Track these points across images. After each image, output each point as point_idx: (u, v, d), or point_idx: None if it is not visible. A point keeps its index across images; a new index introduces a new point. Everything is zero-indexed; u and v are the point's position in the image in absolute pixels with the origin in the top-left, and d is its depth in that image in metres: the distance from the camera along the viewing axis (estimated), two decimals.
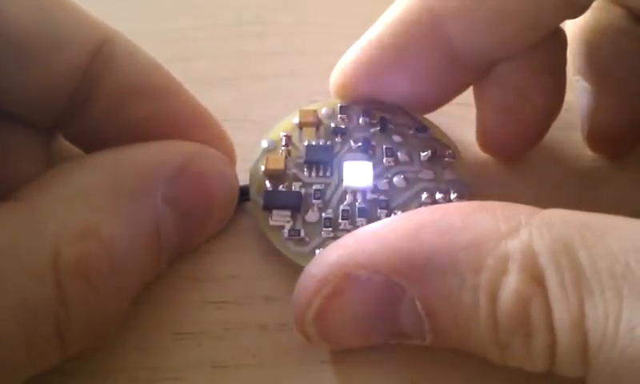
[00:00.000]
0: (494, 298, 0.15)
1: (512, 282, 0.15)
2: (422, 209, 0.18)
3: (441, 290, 0.16)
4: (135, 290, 0.18)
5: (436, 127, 0.22)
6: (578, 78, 0.23)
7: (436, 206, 0.19)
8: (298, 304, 0.17)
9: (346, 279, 0.17)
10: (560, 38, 0.22)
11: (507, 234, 0.16)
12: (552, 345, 0.15)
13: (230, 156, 0.21)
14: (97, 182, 0.18)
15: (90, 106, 0.19)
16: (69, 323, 0.16)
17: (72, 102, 0.19)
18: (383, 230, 0.17)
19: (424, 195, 0.20)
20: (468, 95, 0.22)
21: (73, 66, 0.19)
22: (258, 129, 0.22)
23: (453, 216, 0.17)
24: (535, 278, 0.15)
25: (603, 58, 0.22)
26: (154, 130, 0.20)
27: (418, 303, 0.16)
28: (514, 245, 0.15)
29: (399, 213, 0.20)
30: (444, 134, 0.22)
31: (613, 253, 0.15)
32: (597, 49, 0.22)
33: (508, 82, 0.21)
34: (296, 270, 0.19)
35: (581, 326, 0.14)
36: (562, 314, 0.15)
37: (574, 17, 0.21)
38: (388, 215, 0.20)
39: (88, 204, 0.17)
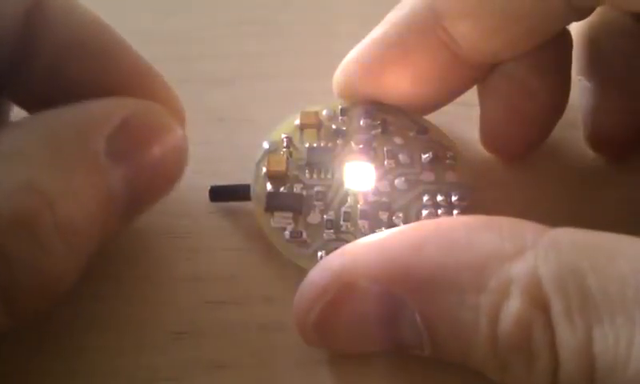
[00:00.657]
0: (494, 319, 0.15)
1: (513, 306, 0.15)
2: (427, 221, 0.18)
3: (440, 306, 0.16)
4: (87, 249, 0.17)
5: (437, 129, 0.22)
6: (580, 77, 0.23)
7: (441, 219, 0.19)
8: (299, 309, 0.17)
9: (346, 287, 0.17)
10: (566, 39, 0.22)
11: (512, 255, 0.15)
12: (555, 369, 0.15)
13: (178, 116, 0.20)
14: (35, 139, 0.17)
15: (30, 65, 0.19)
16: (13, 282, 0.16)
17: (11, 62, 0.19)
18: (386, 241, 0.17)
19: (425, 197, 0.20)
20: (469, 95, 0.23)
21: (7, 23, 0.18)
22: (257, 129, 0.22)
23: (458, 232, 0.16)
24: (538, 303, 0.15)
25: (606, 58, 0.22)
26: (96, 88, 0.19)
27: (417, 316, 0.16)
28: (518, 268, 0.15)
29: (401, 215, 0.20)
30: (445, 136, 0.22)
31: (624, 276, 0.14)
32: (599, 49, 0.22)
33: (513, 79, 0.21)
34: (296, 270, 0.19)
35: (588, 351, 0.14)
36: (567, 340, 0.14)
37: (579, 19, 0.21)
38: (389, 217, 0.20)
39: (26, 161, 0.16)
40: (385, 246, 0.17)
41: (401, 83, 0.22)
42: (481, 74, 0.22)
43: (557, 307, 0.14)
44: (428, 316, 0.16)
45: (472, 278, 0.16)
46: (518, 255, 0.15)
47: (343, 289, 0.17)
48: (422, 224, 0.18)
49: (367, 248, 0.17)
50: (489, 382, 0.17)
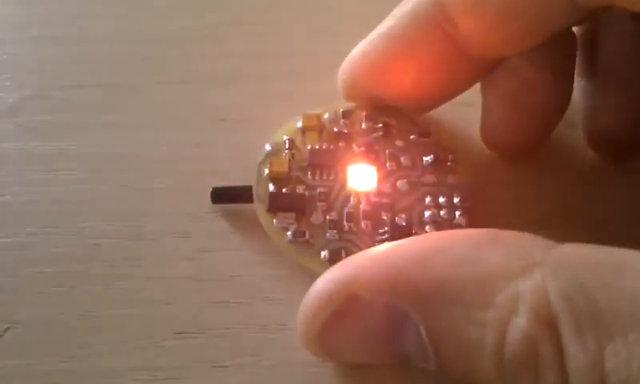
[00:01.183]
0: (500, 336, 0.15)
1: (520, 323, 0.15)
2: (433, 234, 0.18)
3: (445, 321, 0.16)
4: None
5: (439, 131, 0.22)
6: (580, 78, 0.23)
7: (447, 232, 0.19)
8: (304, 318, 0.17)
9: (351, 298, 0.17)
10: (570, 39, 0.22)
11: (519, 272, 0.15)
12: None
13: None
14: None
15: None
16: None
17: None
18: (391, 253, 0.17)
19: (427, 199, 0.20)
20: (469, 95, 0.23)
21: None
22: (258, 129, 0.22)
23: (463, 246, 0.16)
24: (547, 321, 0.14)
25: (605, 58, 0.22)
26: None
27: (422, 330, 0.16)
28: (526, 285, 0.15)
29: (403, 216, 0.20)
30: (447, 138, 0.22)
31: (634, 292, 0.14)
32: (599, 49, 0.22)
33: (516, 74, 0.21)
34: (297, 271, 0.20)
35: (599, 368, 0.14)
36: (577, 357, 0.14)
37: (582, 22, 0.21)
38: (392, 218, 0.20)
39: None
40: (390, 258, 0.17)
41: (405, 77, 0.21)
42: (485, 69, 0.22)
43: (566, 324, 0.14)
44: (433, 330, 0.16)
45: (478, 293, 0.15)
46: (525, 272, 0.15)
47: (348, 300, 0.17)
48: (426, 237, 0.18)
49: (372, 259, 0.17)
50: None
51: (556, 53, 0.21)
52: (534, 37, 0.20)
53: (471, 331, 0.15)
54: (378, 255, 0.17)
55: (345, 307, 0.17)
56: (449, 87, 0.22)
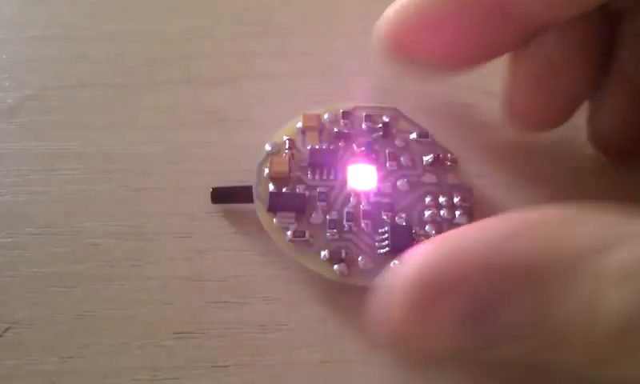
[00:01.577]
0: (595, 312, 0.14)
1: (615, 298, 0.14)
2: (516, 213, 0.17)
3: (537, 299, 0.15)
4: None
5: (438, 132, 0.22)
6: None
7: (533, 210, 0.17)
8: (384, 319, 0.16)
9: (441, 284, 0.16)
10: (603, 17, 0.21)
11: (614, 243, 0.14)
12: None
13: None
14: None
15: None
16: None
17: None
18: (478, 233, 0.16)
19: (427, 199, 0.21)
20: (469, 95, 0.23)
21: None
22: (257, 129, 0.22)
23: (552, 223, 0.16)
24: None
25: (618, 58, 0.22)
26: None
27: (512, 309, 0.15)
28: (623, 257, 0.14)
29: (403, 215, 0.20)
30: (446, 139, 0.22)
31: None
32: (614, 49, 0.22)
33: (542, 51, 0.21)
34: (297, 270, 0.19)
35: None
36: None
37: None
38: (392, 218, 0.20)
39: None
40: (480, 235, 0.16)
41: (451, 34, 0.21)
42: (522, 37, 0.21)
43: None
44: (526, 309, 0.15)
45: (571, 269, 0.15)
46: (619, 241, 0.14)
47: (439, 284, 0.16)
48: (512, 215, 0.17)
49: (453, 241, 0.16)
50: (487, 378, 0.18)
51: (583, 31, 0.21)
52: (571, 6, 0.20)
53: (563, 310, 0.15)
54: (465, 234, 0.17)
55: (435, 292, 0.16)
56: (485, 46, 0.22)
